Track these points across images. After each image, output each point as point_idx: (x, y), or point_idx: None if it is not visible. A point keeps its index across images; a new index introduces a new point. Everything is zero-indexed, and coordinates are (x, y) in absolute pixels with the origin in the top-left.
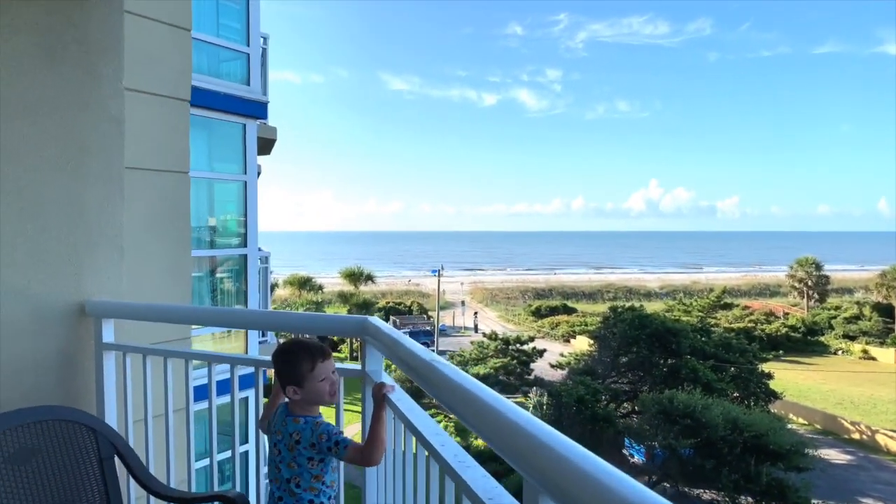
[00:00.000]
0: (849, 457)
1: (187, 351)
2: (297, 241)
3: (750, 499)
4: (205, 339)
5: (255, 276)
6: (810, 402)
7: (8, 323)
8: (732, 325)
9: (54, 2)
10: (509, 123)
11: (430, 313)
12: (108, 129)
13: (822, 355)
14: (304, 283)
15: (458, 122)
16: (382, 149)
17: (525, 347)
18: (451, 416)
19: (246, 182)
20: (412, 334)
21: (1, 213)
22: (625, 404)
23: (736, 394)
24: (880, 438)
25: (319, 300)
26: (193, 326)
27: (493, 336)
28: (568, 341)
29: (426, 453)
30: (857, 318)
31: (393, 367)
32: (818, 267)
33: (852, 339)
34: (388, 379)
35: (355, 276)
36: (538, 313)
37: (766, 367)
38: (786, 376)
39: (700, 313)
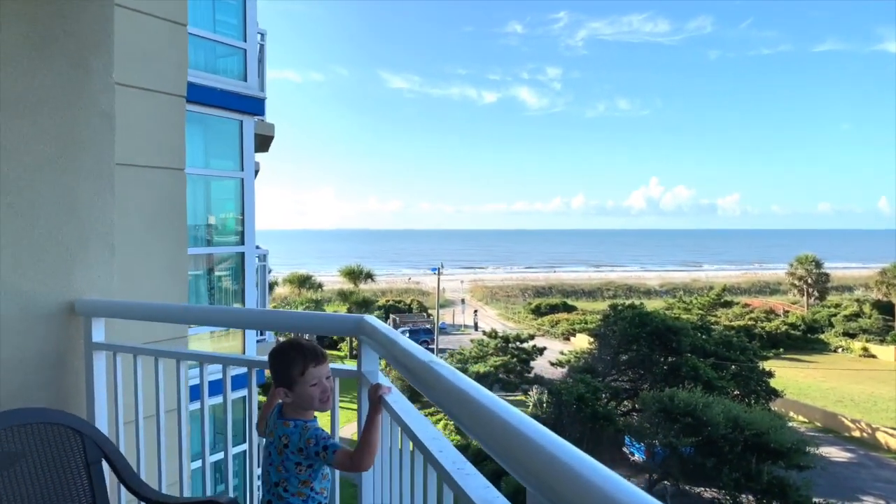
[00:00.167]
0: (849, 454)
1: (178, 351)
2: (298, 240)
3: (751, 497)
4: (203, 338)
5: (252, 274)
6: (810, 399)
7: None
8: (733, 323)
9: None
10: (509, 122)
11: (429, 311)
12: (98, 124)
13: (823, 353)
14: (304, 282)
15: (458, 121)
16: (382, 147)
17: (525, 345)
18: None
19: (243, 179)
20: (412, 332)
21: None
22: (625, 402)
23: (736, 392)
24: (881, 436)
25: (319, 298)
26: (190, 325)
27: (493, 334)
28: (568, 339)
29: (423, 459)
30: (857, 315)
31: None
32: (818, 265)
33: (852, 336)
34: (384, 380)
35: (355, 275)
36: (538, 311)
37: (766, 364)
38: (786, 374)
39: (700, 311)
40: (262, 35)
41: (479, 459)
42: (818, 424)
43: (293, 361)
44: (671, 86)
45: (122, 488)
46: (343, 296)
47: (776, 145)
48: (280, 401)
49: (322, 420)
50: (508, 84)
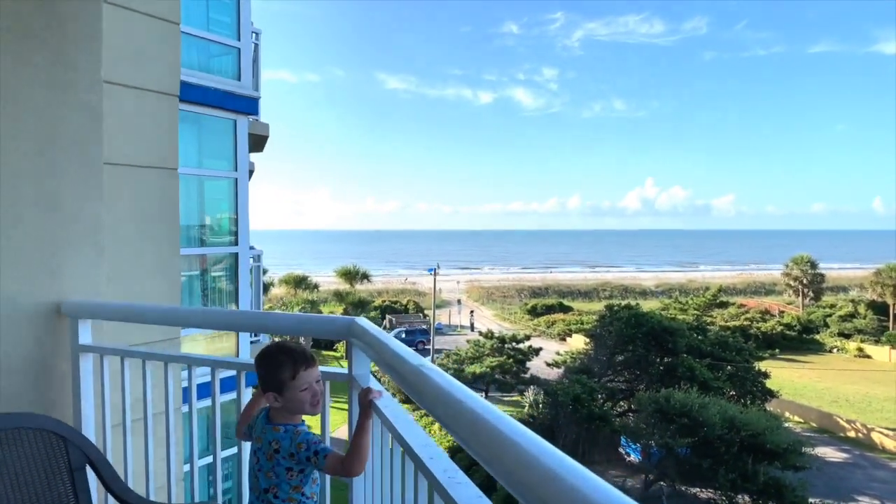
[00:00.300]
0: (844, 455)
1: (166, 353)
2: (295, 240)
3: (747, 498)
4: (197, 339)
5: (246, 275)
6: (806, 400)
7: None
8: (728, 324)
9: None
10: (505, 122)
11: (426, 312)
12: (85, 122)
13: (818, 353)
14: (300, 282)
15: (454, 121)
16: (379, 147)
17: (521, 346)
18: None
19: (237, 179)
20: (408, 333)
21: None
22: (621, 403)
23: (732, 392)
24: (876, 436)
25: (315, 299)
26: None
27: (489, 335)
28: (564, 340)
29: (414, 466)
30: (852, 316)
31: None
32: (813, 265)
33: (847, 337)
34: (375, 384)
35: (351, 275)
36: (534, 312)
37: (762, 365)
38: (781, 374)
39: (696, 312)
40: (257, 34)
41: (472, 463)
42: (814, 425)
43: (282, 365)
44: (667, 87)
45: (109, 495)
46: (339, 296)
47: (771, 146)
48: (267, 405)
49: (311, 423)
50: (504, 85)
